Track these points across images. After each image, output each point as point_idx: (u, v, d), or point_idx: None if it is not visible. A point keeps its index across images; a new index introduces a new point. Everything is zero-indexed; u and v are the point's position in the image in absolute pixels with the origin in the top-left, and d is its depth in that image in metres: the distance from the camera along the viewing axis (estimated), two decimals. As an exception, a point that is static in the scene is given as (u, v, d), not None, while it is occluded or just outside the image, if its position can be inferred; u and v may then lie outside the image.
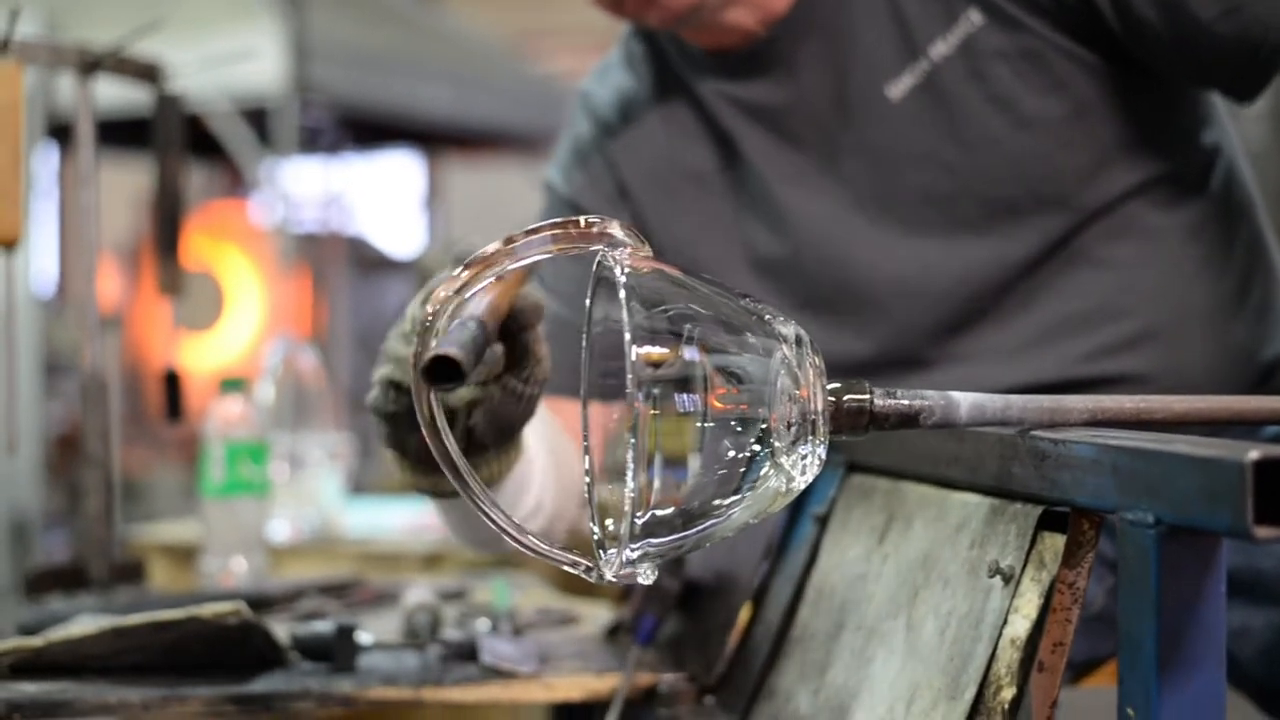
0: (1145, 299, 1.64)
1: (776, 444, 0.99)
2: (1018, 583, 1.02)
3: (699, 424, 0.97)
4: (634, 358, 0.95)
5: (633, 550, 0.98)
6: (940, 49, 1.61)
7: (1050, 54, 1.59)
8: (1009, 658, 1.01)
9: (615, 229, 1.02)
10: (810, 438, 1.00)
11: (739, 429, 0.98)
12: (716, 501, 0.99)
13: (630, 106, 1.80)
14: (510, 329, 1.24)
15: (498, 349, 1.24)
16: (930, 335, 1.67)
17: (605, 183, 1.80)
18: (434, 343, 1.03)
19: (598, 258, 1.02)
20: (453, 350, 1.02)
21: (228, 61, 5.04)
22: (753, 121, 1.71)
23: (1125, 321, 1.64)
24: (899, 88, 1.63)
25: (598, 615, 1.77)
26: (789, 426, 0.99)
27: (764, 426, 0.98)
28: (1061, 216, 1.63)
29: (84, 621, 1.50)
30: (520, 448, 1.40)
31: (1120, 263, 1.64)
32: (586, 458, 1.06)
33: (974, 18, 1.59)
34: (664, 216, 1.75)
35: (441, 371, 1.02)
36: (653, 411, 0.96)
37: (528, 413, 1.33)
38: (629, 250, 1.01)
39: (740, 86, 1.71)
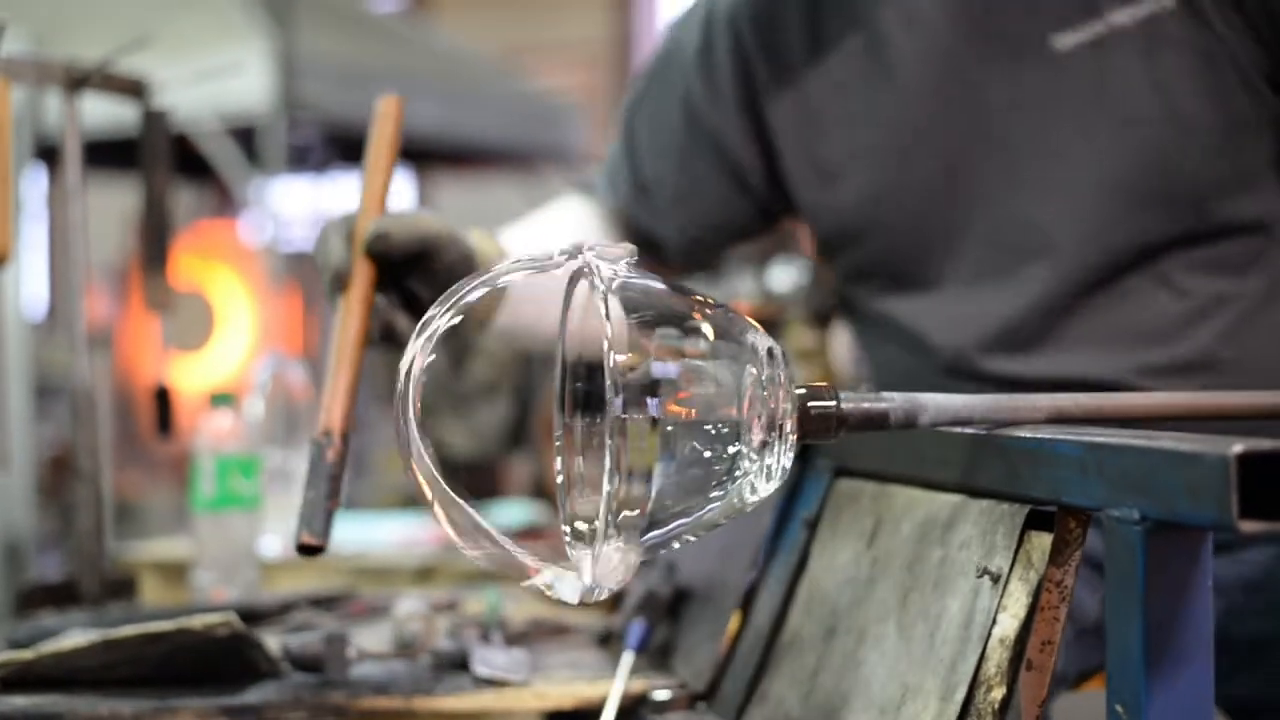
0: (1214, 341, 1.61)
1: (746, 449, 1.01)
2: (1006, 582, 1.03)
3: (672, 428, 0.99)
4: (612, 363, 0.96)
5: (607, 551, 0.99)
6: (1120, 18, 1.57)
7: (1225, 62, 1.55)
8: (998, 657, 1.01)
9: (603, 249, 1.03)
10: (778, 442, 1.02)
11: (711, 434, 1.00)
12: (687, 505, 1.01)
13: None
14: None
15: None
16: (1051, 307, 1.65)
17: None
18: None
19: (574, 265, 1.02)
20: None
21: (215, 75, 5.03)
22: (909, 29, 1.68)
23: (1185, 346, 1.61)
24: (1067, 40, 1.59)
25: (589, 624, 1.77)
26: (759, 431, 1.01)
27: (735, 432, 1.01)
28: (1171, 223, 1.60)
29: (75, 635, 1.50)
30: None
31: (1198, 294, 1.61)
32: (558, 459, 1.07)
33: (1167, 1, 1.56)
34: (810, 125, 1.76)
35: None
36: (629, 416, 0.97)
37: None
38: (611, 258, 1.02)
39: None
